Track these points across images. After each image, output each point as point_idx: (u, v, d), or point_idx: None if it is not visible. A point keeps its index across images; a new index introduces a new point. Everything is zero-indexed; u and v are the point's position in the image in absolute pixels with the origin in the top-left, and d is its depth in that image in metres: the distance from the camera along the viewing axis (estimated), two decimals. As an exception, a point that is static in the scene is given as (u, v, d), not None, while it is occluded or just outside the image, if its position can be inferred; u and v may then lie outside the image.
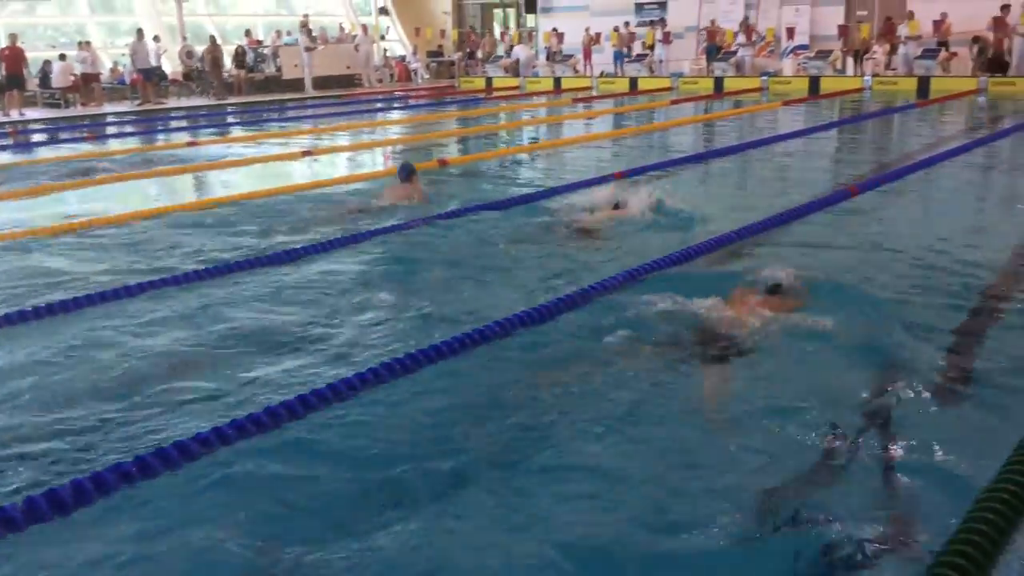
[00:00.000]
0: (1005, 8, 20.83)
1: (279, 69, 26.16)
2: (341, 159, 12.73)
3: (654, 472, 3.31)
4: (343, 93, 25.50)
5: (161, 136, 15.98)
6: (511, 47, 29.43)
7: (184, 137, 15.61)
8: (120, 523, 3.00)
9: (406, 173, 8.39)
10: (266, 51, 26.68)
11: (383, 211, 7.89)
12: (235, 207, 8.34)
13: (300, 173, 11.22)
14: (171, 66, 25.08)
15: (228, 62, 25.47)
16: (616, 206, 7.40)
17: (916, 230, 7.08)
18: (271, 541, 2.95)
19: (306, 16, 28.19)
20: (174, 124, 18.72)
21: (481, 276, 5.88)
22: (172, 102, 23.12)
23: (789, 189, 9.13)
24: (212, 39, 24.51)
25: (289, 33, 27.29)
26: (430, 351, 4.17)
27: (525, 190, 8.72)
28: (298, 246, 6.54)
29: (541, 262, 6.22)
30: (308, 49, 25.97)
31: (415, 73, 30.13)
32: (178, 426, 3.67)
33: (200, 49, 24.82)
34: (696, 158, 11.19)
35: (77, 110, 21.46)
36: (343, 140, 15.08)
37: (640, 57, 26.39)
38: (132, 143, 15.00)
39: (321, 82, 26.37)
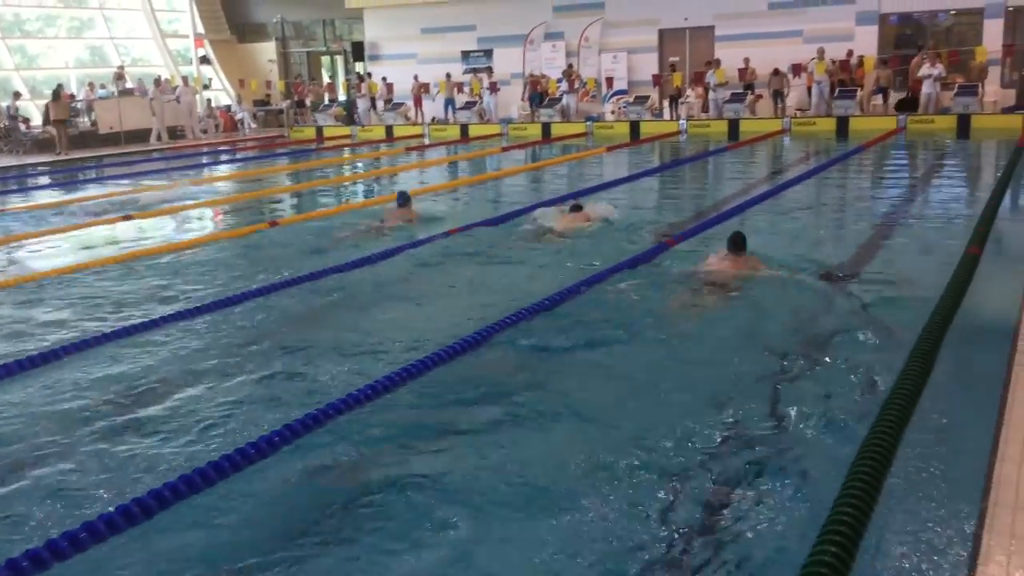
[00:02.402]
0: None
1: (94, 123, 25.01)
2: (166, 221, 12.24)
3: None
4: (166, 146, 24.65)
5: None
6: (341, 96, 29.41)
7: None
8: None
9: (403, 199, 10.68)
10: (79, 105, 25.47)
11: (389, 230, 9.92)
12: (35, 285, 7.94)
13: (122, 239, 10.69)
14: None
15: (38, 117, 24.21)
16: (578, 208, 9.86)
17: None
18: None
19: (121, 67, 27.21)
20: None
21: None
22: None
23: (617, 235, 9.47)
24: (60, 88, 23.45)
25: (103, 86, 26.16)
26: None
27: (362, 250, 8.69)
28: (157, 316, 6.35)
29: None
30: (159, 95, 25.46)
31: (242, 123, 29.51)
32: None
33: (4, 104, 23.46)
34: (534, 207, 11.40)
35: None
36: (168, 198, 14.48)
37: (470, 104, 26.88)
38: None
39: (142, 135, 25.40)
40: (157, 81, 26.42)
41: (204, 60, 30.88)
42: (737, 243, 7.07)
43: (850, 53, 22.80)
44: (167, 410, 4.87)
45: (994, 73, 22.06)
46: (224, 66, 31.84)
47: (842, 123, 21.37)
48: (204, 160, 21.77)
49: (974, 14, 22.71)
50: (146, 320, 6.41)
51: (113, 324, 6.43)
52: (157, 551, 3.43)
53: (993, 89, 21.85)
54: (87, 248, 10.09)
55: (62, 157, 22.07)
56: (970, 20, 23.06)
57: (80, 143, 24.31)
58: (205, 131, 27.96)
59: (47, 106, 23.72)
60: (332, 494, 3.89)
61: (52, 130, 23.64)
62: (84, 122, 25.21)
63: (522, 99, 26.85)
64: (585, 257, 8.22)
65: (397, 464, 4.10)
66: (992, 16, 22.19)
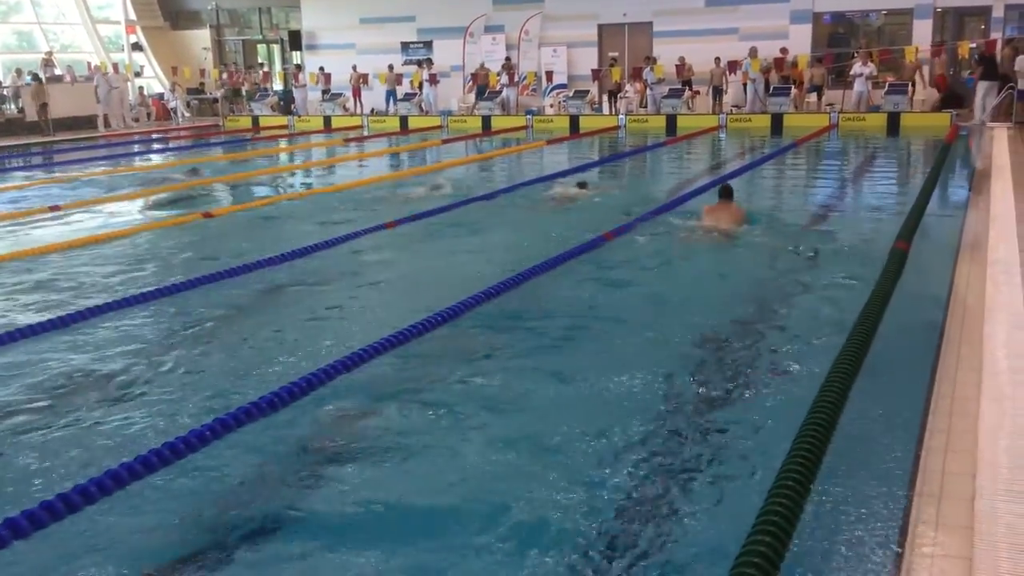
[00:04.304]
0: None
1: (21, 111, 24.26)
2: (94, 212, 11.89)
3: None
4: (98, 135, 24.02)
5: None
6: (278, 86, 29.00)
7: None
8: None
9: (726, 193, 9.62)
10: (6, 92, 24.70)
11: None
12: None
13: (50, 231, 10.37)
14: None
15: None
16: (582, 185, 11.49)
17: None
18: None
19: (49, 53, 26.46)
20: None
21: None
22: None
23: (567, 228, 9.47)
24: (36, 76, 22.90)
25: (31, 73, 25.39)
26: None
27: (299, 241, 8.56)
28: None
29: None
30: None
31: (175, 112, 28.90)
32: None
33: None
34: (478, 199, 11.35)
35: None
36: (95, 189, 14.08)
37: (410, 96, 26.70)
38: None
39: (69, 123, 24.71)
40: (103, 68, 25.84)
41: (136, 47, 30.16)
42: (726, 192, 8.96)
43: (784, 51, 23.14)
44: (103, 400, 4.80)
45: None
46: (157, 53, 31.13)
47: (776, 120, 21.73)
48: (136, 149, 21.26)
49: (904, 14, 23.27)
50: (73, 312, 6.23)
51: (39, 317, 6.24)
52: (91, 539, 3.40)
53: (921, 88, 22.42)
54: (12, 239, 9.78)
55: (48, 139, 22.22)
56: (900, 20, 23.63)
57: (6, 131, 23.59)
58: (137, 120, 27.32)
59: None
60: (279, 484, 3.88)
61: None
62: (11, 109, 24.46)
63: (466, 91, 26.78)
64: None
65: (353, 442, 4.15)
66: (921, 17, 22.77)
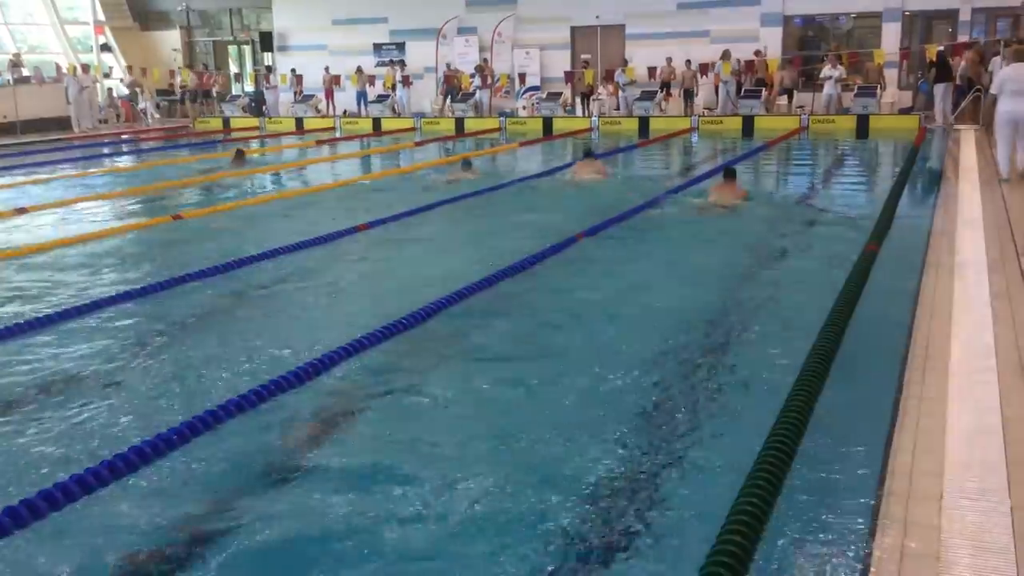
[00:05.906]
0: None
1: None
2: (63, 214, 11.75)
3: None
4: (63, 136, 23.72)
5: None
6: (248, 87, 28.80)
7: None
8: None
9: (467, 164, 13.84)
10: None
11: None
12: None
13: (17, 234, 10.23)
14: None
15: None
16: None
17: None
18: None
19: (17, 55, 26.12)
20: None
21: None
22: None
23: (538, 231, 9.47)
24: None
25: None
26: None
27: (270, 243, 8.50)
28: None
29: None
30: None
31: (144, 113, 28.62)
32: None
33: None
34: (447, 202, 11.33)
35: None
36: (63, 191, 13.90)
37: (382, 98, 26.62)
38: None
39: (38, 124, 24.40)
40: (71, 71, 25.56)
41: (105, 48, 29.83)
42: (729, 173, 10.92)
43: (758, 53, 23.33)
44: (62, 405, 4.72)
45: (891, 75, 22.90)
46: (126, 54, 30.82)
47: (747, 122, 21.87)
48: (105, 151, 21.02)
49: (873, 17, 23.52)
50: (40, 316, 6.15)
51: (3, 321, 6.15)
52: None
53: (891, 91, 22.70)
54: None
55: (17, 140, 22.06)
56: (870, 24, 23.89)
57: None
58: (105, 121, 27.01)
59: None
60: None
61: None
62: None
63: (439, 93, 26.76)
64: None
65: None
66: (890, 20, 23.04)
